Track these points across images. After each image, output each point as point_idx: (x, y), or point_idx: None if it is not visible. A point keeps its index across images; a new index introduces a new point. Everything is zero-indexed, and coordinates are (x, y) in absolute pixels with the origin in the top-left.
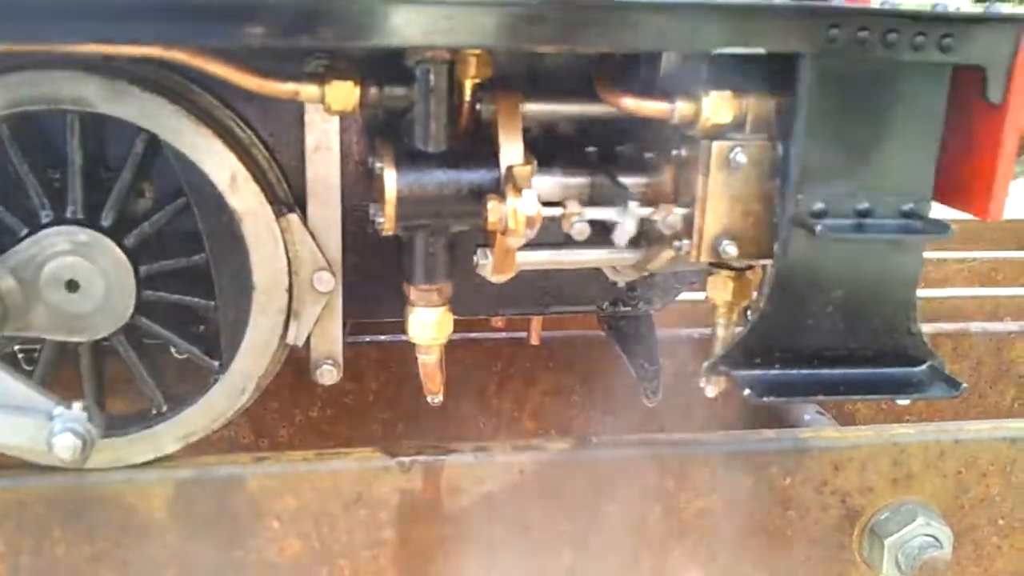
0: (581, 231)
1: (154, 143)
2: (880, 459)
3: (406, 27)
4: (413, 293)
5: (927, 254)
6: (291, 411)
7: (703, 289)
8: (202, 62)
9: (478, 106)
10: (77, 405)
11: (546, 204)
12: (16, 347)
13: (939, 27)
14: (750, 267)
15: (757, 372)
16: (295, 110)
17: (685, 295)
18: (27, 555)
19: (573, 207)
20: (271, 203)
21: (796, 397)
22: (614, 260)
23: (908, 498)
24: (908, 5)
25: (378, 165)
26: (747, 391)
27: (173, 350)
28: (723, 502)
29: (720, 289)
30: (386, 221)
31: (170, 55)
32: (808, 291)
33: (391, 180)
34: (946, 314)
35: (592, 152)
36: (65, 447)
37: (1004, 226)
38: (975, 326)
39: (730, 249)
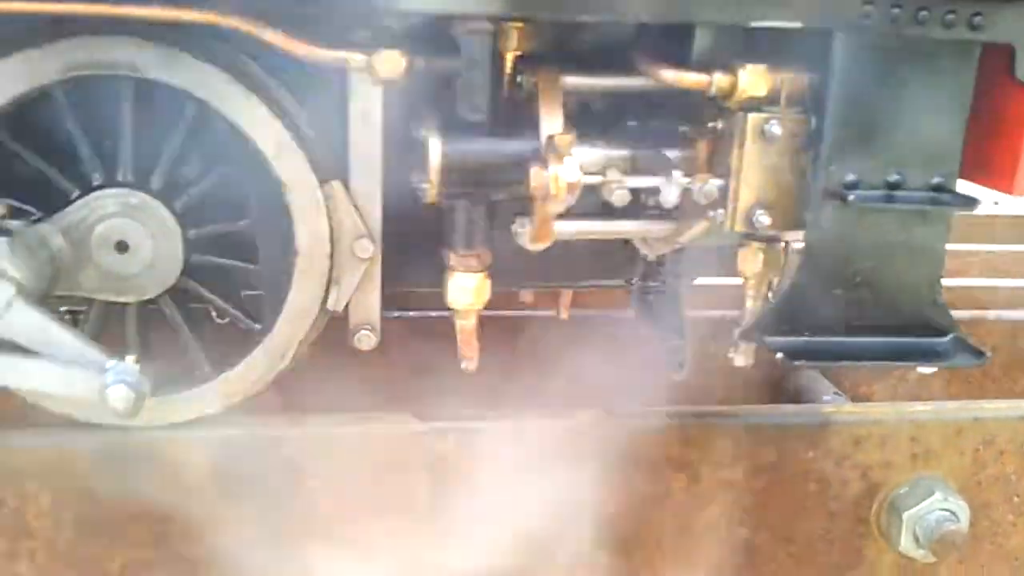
0: (622, 197)
1: (203, 110)
2: (900, 435)
3: None
4: (453, 259)
5: None
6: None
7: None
8: (255, 29)
9: (519, 78)
10: (130, 358)
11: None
12: (62, 309)
13: (969, 5)
14: (780, 239)
15: (788, 339)
16: (340, 80)
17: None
18: (71, 509)
19: (614, 175)
20: (315, 171)
21: (825, 362)
22: (650, 230)
23: (926, 473)
24: None
25: (423, 134)
26: (779, 355)
27: (214, 314)
28: (745, 474)
29: (751, 261)
30: (430, 189)
31: (225, 21)
32: (838, 261)
33: (436, 149)
34: (962, 304)
35: (630, 125)
36: (119, 398)
37: (1018, 222)
38: (991, 314)
39: (763, 219)
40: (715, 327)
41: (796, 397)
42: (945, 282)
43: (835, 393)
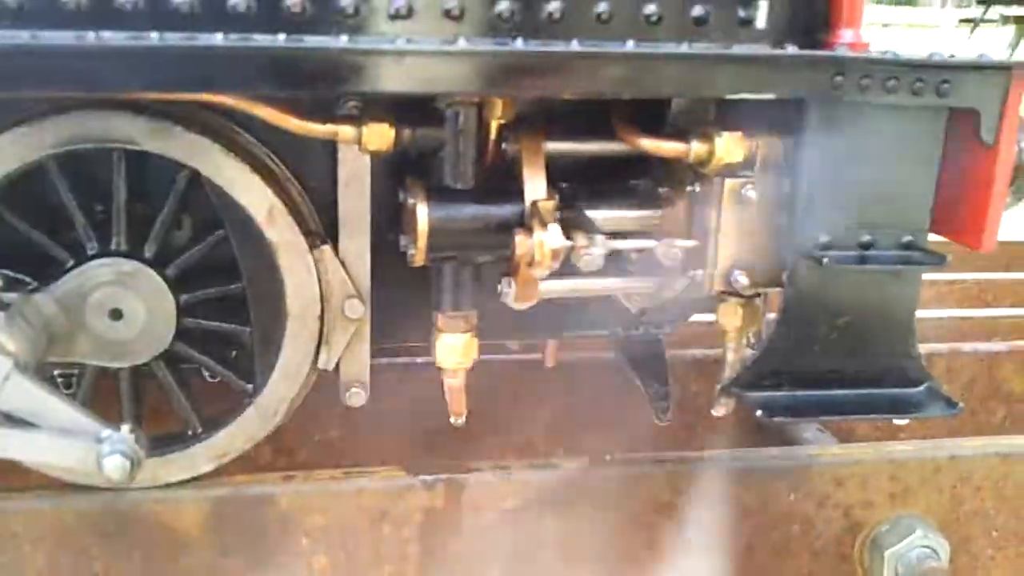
0: (588, 263)
1: (194, 178)
2: (880, 474)
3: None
4: (441, 320)
5: None
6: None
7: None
8: (247, 105)
9: (503, 145)
10: (124, 427)
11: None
12: (55, 372)
13: (936, 74)
14: (758, 294)
15: (767, 394)
16: (327, 148)
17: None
18: (67, 572)
19: (581, 240)
20: (305, 235)
21: (804, 417)
22: (632, 288)
23: (906, 511)
24: (907, 53)
25: (410, 201)
26: (759, 412)
27: (206, 374)
28: (730, 517)
29: (730, 315)
30: (418, 253)
31: (217, 99)
32: (815, 318)
33: (423, 214)
34: (938, 335)
35: (608, 187)
36: (115, 467)
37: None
38: (967, 346)
39: (742, 279)
40: (695, 367)
41: (778, 432)
42: (921, 313)
43: (817, 429)
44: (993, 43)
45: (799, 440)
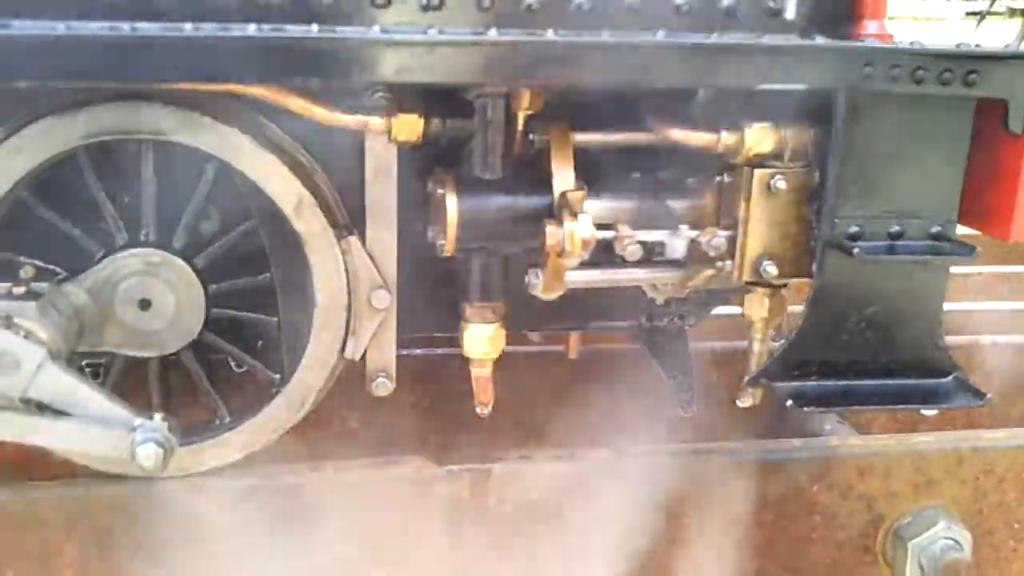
0: (633, 252)
1: (222, 170)
2: (903, 466)
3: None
4: (468, 310)
5: None
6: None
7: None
8: (278, 97)
9: (531, 135)
10: (157, 416)
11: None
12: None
13: (965, 64)
14: (785, 285)
15: (795, 384)
16: (354, 139)
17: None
18: (96, 560)
19: (625, 230)
20: (332, 226)
21: (833, 408)
22: (659, 278)
23: (929, 503)
24: (935, 43)
25: (439, 191)
26: (788, 402)
27: (233, 364)
28: (753, 508)
29: (757, 306)
30: (447, 243)
31: (249, 90)
32: (843, 308)
33: (452, 205)
34: (957, 327)
35: (638, 177)
36: (148, 456)
37: (1012, 244)
38: (986, 339)
39: (770, 269)
40: (716, 359)
41: (798, 426)
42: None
43: (838, 421)
44: (999, 36)
45: (819, 431)
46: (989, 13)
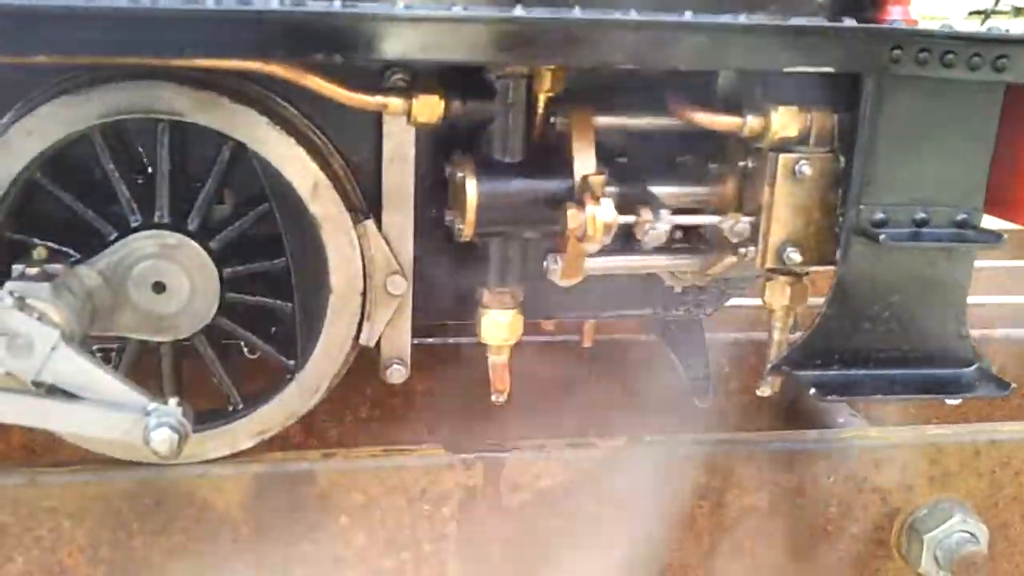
0: (656, 237)
1: (238, 151)
2: (919, 458)
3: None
4: (487, 296)
5: None
6: (341, 411)
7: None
8: (297, 76)
9: (552, 119)
10: (172, 401)
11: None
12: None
13: (994, 48)
14: (807, 273)
15: (818, 372)
16: (371, 121)
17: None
18: (106, 547)
19: (647, 215)
20: (349, 210)
21: (856, 397)
22: (679, 265)
23: (945, 496)
24: (964, 27)
25: (458, 175)
26: (812, 390)
27: (245, 350)
28: (768, 499)
29: (778, 294)
30: (466, 227)
31: (268, 69)
32: (867, 296)
33: (472, 189)
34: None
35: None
36: (162, 441)
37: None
38: (999, 332)
39: (794, 255)
40: (728, 350)
41: (810, 417)
42: None
43: (850, 413)
44: None
45: (832, 423)
46: (994, 12)
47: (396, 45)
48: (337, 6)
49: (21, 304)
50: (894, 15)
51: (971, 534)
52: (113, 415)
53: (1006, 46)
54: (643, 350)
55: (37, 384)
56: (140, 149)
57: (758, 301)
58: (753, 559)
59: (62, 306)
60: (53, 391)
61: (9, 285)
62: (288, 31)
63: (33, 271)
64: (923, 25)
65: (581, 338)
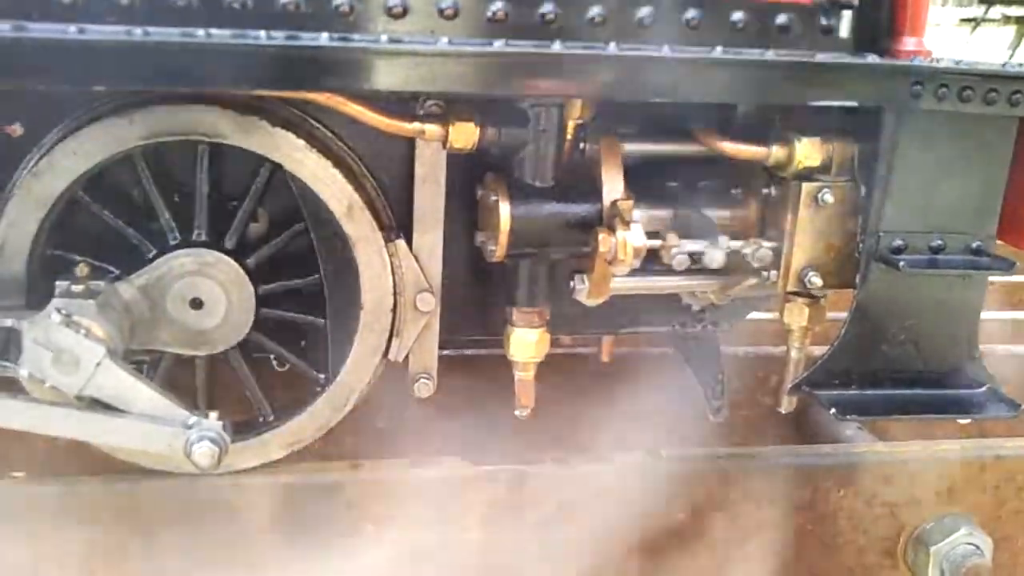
0: (681, 262)
1: (275, 173)
2: (927, 473)
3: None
4: (515, 315)
5: None
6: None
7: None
8: (339, 103)
9: (581, 144)
10: (212, 415)
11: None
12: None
13: (1010, 84)
14: (824, 295)
15: (836, 392)
16: (404, 145)
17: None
18: (137, 556)
19: (672, 239)
20: (381, 230)
21: (874, 416)
22: (702, 286)
23: (951, 509)
24: (981, 63)
25: (491, 197)
26: (832, 410)
27: (275, 362)
28: (781, 512)
29: (796, 315)
30: (498, 249)
31: (311, 97)
32: (884, 319)
33: (505, 211)
34: None
35: (678, 187)
36: (203, 454)
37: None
38: (1000, 348)
39: (815, 280)
40: (737, 364)
41: (817, 431)
42: None
43: (857, 428)
44: (993, 43)
45: (839, 437)
46: (984, 20)
47: (441, 81)
48: (384, 42)
49: (68, 321)
50: (909, 45)
51: (976, 546)
52: (156, 428)
53: (1020, 82)
54: (658, 363)
55: (80, 398)
56: (176, 169)
57: (765, 315)
58: (765, 572)
59: (106, 322)
60: (94, 404)
61: (56, 302)
62: (341, 65)
63: (78, 288)
64: (943, 62)
65: (600, 352)
